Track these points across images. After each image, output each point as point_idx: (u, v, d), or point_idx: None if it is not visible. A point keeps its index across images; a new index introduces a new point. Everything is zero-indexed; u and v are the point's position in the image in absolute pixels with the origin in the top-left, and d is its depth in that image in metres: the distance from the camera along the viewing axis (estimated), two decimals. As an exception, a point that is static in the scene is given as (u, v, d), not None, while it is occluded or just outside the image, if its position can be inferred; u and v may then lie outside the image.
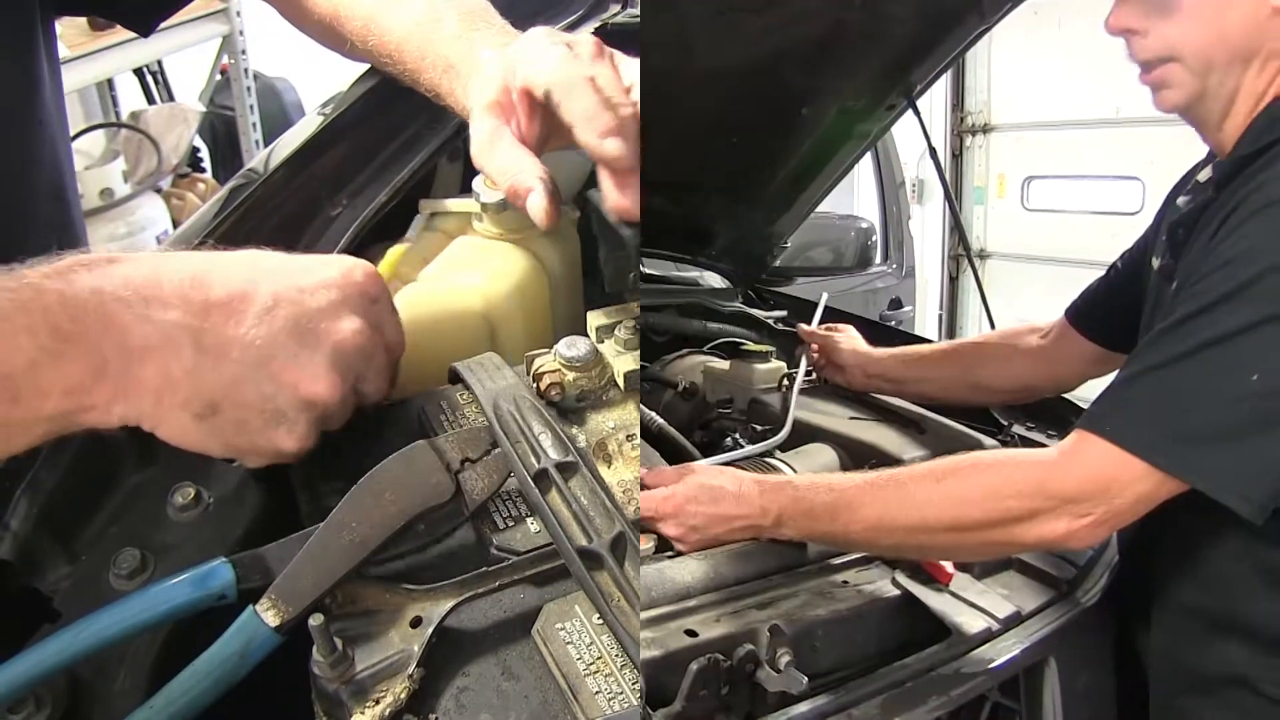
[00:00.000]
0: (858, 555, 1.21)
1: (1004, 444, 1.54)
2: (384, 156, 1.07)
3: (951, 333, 5.40)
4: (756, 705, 0.99)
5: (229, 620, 0.61)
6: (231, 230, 0.98)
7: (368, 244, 1.02)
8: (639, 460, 0.77)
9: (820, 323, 1.80)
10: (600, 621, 0.62)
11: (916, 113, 1.83)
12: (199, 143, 4.16)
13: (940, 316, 5.46)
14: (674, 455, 1.45)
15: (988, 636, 1.13)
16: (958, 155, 5.29)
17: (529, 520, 0.70)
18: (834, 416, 1.56)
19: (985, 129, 5.25)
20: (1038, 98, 4.95)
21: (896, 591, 1.15)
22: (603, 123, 0.77)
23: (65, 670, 0.62)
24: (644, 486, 1.17)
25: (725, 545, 1.15)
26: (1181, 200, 1.20)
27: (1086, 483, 1.01)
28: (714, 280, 2.33)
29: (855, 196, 4.42)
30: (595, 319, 0.85)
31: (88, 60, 3.10)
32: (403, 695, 0.59)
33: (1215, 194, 1.09)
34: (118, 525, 0.77)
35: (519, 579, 0.66)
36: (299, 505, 0.73)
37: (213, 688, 0.60)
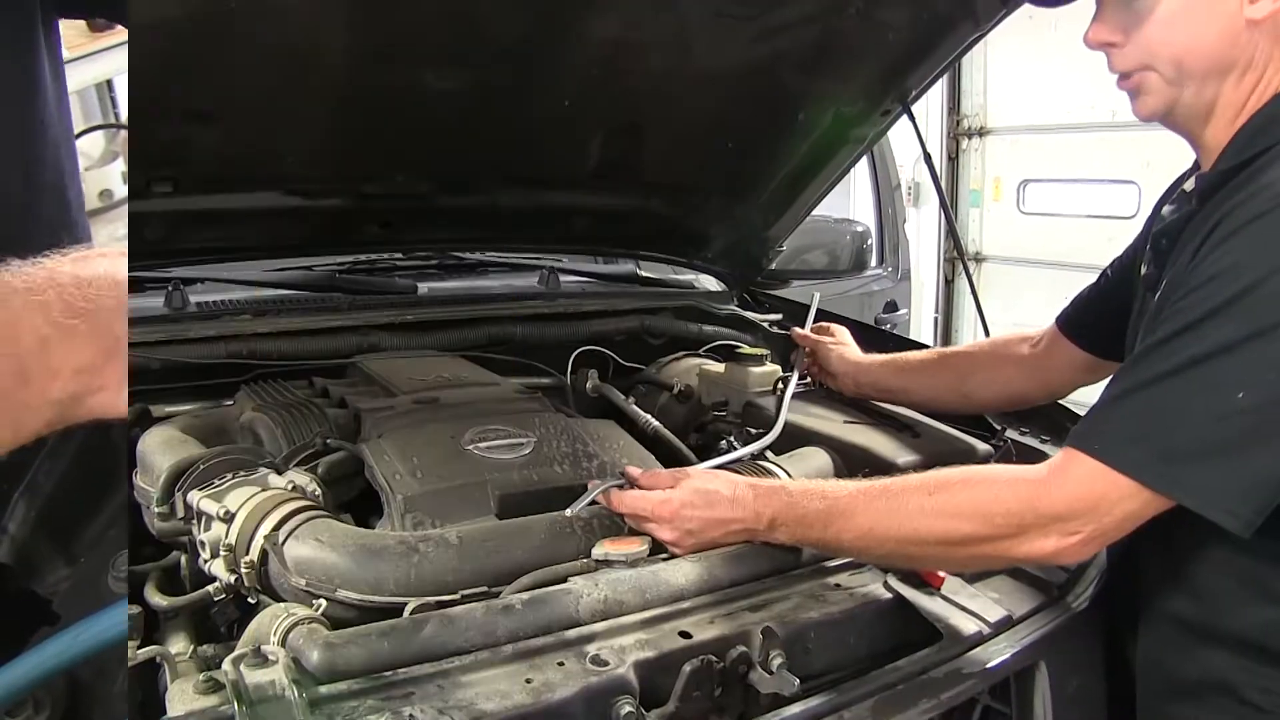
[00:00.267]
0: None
1: (997, 449, 1.54)
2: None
3: (947, 336, 5.39)
4: (749, 706, 1.00)
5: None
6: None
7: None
8: None
9: (813, 323, 1.80)
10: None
11: (911, 118, 1.84)
12: (197, 143, 4.14)
13: (936, 320, 5.44)
14: (669, 458, 1.46)
15: (979, 640, 1.13)
16: (953, 158, 5.29)
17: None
18: (828, 420, 1.57)
19: (981, 132, 5.25)
20: (1034, 101, 4.94)
21: (889, 594, 1.15)
22: None
23: (65, 673, 0.63)
24: (640, 488, 1.18)
25: (719, 548, 1.16)
26: (1167, 210, 1.21)
27: (1075, 501, 1.01)
28: (710, 283, 2.34)
29: (851, 200, 4.41)
30: None
31: (88, 60, 3.10)
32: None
33: (1199, 205, 1.09)
34: (116, 527, 0.78)
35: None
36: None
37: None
